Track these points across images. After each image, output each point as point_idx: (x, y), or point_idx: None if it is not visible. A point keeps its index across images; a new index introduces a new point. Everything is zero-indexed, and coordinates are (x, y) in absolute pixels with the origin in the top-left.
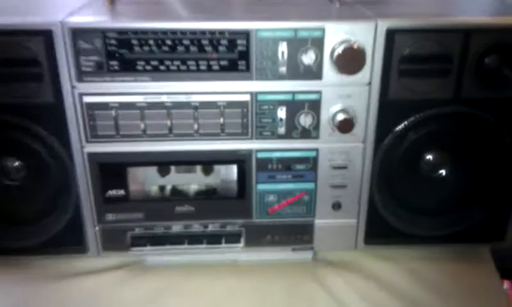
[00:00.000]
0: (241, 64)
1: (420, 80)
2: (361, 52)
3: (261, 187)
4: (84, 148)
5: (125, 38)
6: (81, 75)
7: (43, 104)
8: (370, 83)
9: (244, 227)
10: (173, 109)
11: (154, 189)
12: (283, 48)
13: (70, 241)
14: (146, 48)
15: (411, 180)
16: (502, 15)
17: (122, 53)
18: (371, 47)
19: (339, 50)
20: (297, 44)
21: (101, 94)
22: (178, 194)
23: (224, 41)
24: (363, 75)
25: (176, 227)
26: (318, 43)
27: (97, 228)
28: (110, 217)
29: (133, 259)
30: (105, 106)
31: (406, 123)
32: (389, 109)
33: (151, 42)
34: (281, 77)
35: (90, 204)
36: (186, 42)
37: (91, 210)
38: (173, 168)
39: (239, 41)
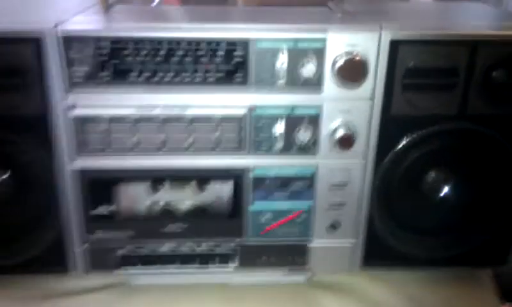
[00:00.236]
0: (238, 76)
1: (424, 94)
2: (364, 63)
3: (257, 205)
4: (72, 163)
5: (118, 47)
6: (71, 86)
7: (31, 116)
8: (372, 98)
9: (239, 247)
10: (166, 123)
11: (145, 206)
12: (282, 59)
13: (55, 260)
14: (139, 58)
15: (412, 199)
16: (509, 26)
17: (114, 63)
18: (374, 59)
19: (340, 63)
20: (297, 55)
21: (92, 106)
22: (169, 212)
23: (221, 52)
24: (365, 88)
25: (167, 246)
26: (319, 55)
27: (84, 246)
28: (98, 235)
29: (120, 280)
30: (95, 119)
31: (408, 139)
32: (391, 125)
33: (144, 52)
34: (279, 90)
35: (78, 221)
36: (181, 53)
37: (79, 227)
38: (165, 184)
39: (236, 52)
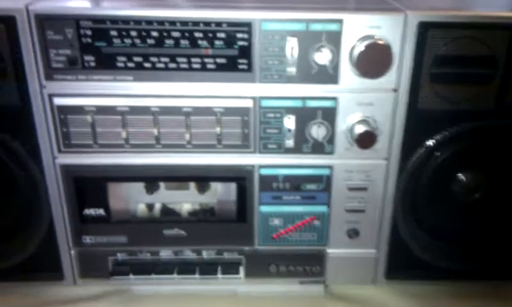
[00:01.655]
0: (242, 62)
1: (456, 86)
2: (387, 50)
3: (264, 209)
4: (56, 159)
5: (102, 28)
6: (51, 73)
7: (7, 107)
8: (396, 89)
9: (245, 255)
10: (161, 115)
11: (140, 209)
12: (292, 44)
13: (43, 266)
14: (128, 40)
15: (441, 204)
16: None
17: (99, 46)
18: (399, 45)
19: (360, 48)
20: (309, 39)
21: (75, 95)
22: (167, 215)
23: (221, 34)
24: (389, 79)
25: (165, 253)
26: (334, 39)
27: (73, 252)
28: (88, 239)
29: (117, 287)
30: (79, 110)
31: (437, 137)
32: (418, 121)
33: (134, 33)
34: (289, 80)
35: (64, 224)
36: (176, 34)
37: (66, 231)
38: (162, 185)
39: (239, 35)
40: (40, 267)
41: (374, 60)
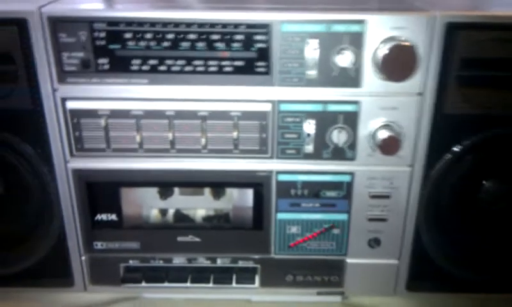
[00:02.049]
0: (260, 65)
1: (485, 90)
2: (413, 52)
3: (282, 216)
4: (68, 163)
5: (116, 30)
6: (64, 76)
7: (19, 110)
8: (422, 93)
9: (260, 263)
10: (176, 119)
11: (153, 214)
12: (312, 46)
13: (53, 272)
14: (142, 43)
15: (467, 213)
16: None
17: (113, 49)
18: (425, 47)
19: (384, 50)
20: (330, 41)
21: (88, 99)
22: (181, 221)
23: (239, 36)
24: (414, 82)
25: (178, 260)
26: (357, 41)
27: (84, 257)
28: (99, 245)
29: (129, 294)
30: (93, 113)
31: (464, 143)
32: (444, 126)
33: (149, 36)
34: (309, 83)
35: (76, 229)
36: (192, 37)
37: (77, 236)
38: (176, 190)
39: (257, 37)
40: (50, 272)
41: (398, 62)
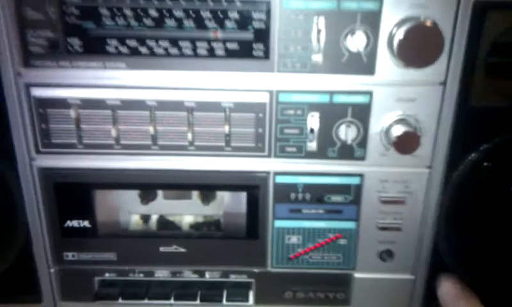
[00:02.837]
0: (258, 48)
1: None
2: (436, 34)
3: (280, 223)
4: (33, 161)
5: (90, 6)
6: (28, 58)
7: None
8: (444, 82)
9: (255, 278)
10: (158, 111)
11: (132, 221)
12: (319, 25)
13: (18, 287)
14: (120, 20)
15: (495, 223)
16: None
17: (86, 27)
18: (450, 29)
19: (402, 31)
20: (340, 20)
21: (56, 85)
22: (164, 229)
23: (234, 14)
24: (435, 69)
25: (161, 273)
26: (371, 20)
27: (53, 270)
28: (70, 256)
29: None
30: (62, 103)
31: (493, 141)
32: (469, 121)
33: (128, 12)
34: (314, 69)
35: (43, 238)
36: (179, 13)
37: (45, 246)
38: (159, 193)
39: (255, 14)
40: (15, 287)
41: (418, 46)
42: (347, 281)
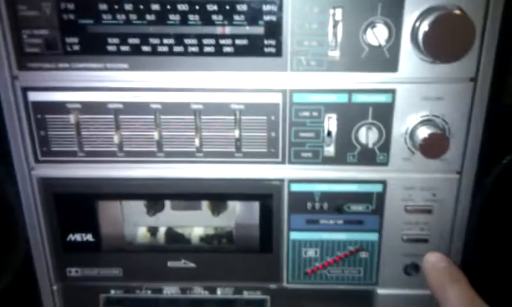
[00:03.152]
0: (269, 44)
1: None
2: (466, 24)
3: (296, 235)
4: (32, 171)
5: (88, 1)
6: (24, 60)
7: None
8: (475, 78)
9: (270, 294)
10: (163, 114)
11: (139, 234)
12: (336, 17)
13: (18, 305)
14: (121, 16)
15: None
16: None
17: (85, 24)
18: (481, 18)
19: (429, 22)
20: (359, 11)
21: (55, 88)
22: (173, 242)
23: (243, 6)
24: (465, 64)
25: (170, 290)
26: (394, 10)
27: (55, 287)
28: (73, 272)
29: None
30: (61, 107)
31: None
32: (503, 121)
33: (129, 7)
34: (331, 67)
35: (44, 252)
36: (183, 7)
37: (46, 261)
38: (167, 204)
39: (266, 7)
40: (15, 305)
41: (447, 38)
42: (369, 297)
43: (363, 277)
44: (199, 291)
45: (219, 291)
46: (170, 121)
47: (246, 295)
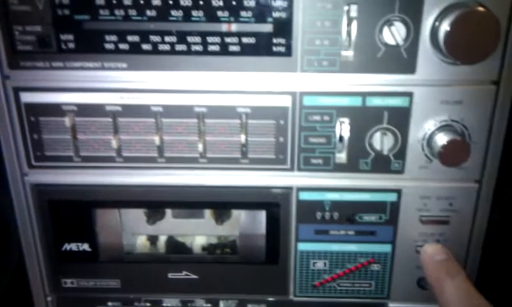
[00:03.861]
0: (278, 42)
1: None
2: (491, 22)
3: (304, 246)
4: (25, 177)
5: None
6: (16, 58)
7: None
8: (497, 81)
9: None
10: (165, 118)
11: (138, 243)
12: (350, 14)
13: None
14: (119, 12)
15: None
16: None
17: (81, 20)
18: (505, 16)
19: (450, 20)
20: (375, 8)
21: (48, 89)
22: (174, 252)
23: (250, 2)
24: (487, 66)
25: (170, 303)
26: (413, 8)
27: (50, 298)
28: (69, 283)
29: None
30: (55, 109)
31: None
32: None
33: (127, 2)
34: (344, 68)
35: (38, 262)
36: (186, 3)
37: (40, 271)
38: (167, 212)
39: (275, 3)
40: None
41: (470, 37)
42: None
43: (374, 290)
44: (201, 304)
45: (221, 304)
46: (172, 124)
47: None
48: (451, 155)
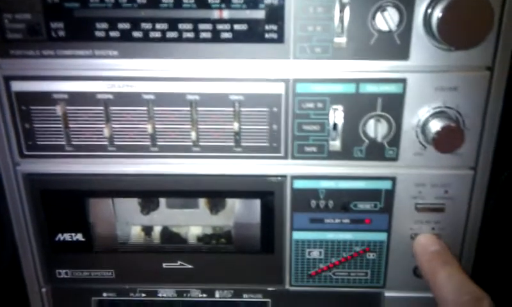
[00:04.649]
0: (270, 29)
1: None
2: (485, 8)
3: (299, 235)
4: (17, 166)
5: None
6: (6, 47)
7: None
8: (491, 66)
9: (272, 297)
10: (157, 106)
11: (132, 233)
12: (343, 0)
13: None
14: None
15: None
16: None
17: (71, 8)
18: (499, 2)
19: (443, 5)
20: None
21: (39, 78)
22: (168, 242)
23: None
24: (481, 52)
25: (165, 293)
26: None
27: (44, 289)
28: (63, 274)
29: None
30: (46, 98)
31: None
32: None
33: None
34: (337, 54)
35: (32, 253)
36: None
37: (34, 262)
38: (162, 202)
39: None
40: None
41: (463, 22)
42: (377, 300)
43: (370, 279)
44: (196, 294)
45: (217, 294)
46: (164, 113)
47: (246, 298)
48: (445, 141)
